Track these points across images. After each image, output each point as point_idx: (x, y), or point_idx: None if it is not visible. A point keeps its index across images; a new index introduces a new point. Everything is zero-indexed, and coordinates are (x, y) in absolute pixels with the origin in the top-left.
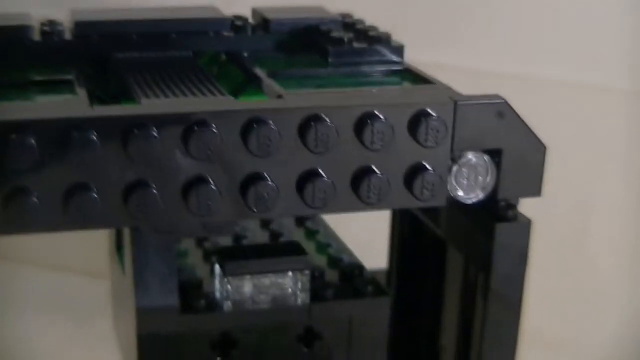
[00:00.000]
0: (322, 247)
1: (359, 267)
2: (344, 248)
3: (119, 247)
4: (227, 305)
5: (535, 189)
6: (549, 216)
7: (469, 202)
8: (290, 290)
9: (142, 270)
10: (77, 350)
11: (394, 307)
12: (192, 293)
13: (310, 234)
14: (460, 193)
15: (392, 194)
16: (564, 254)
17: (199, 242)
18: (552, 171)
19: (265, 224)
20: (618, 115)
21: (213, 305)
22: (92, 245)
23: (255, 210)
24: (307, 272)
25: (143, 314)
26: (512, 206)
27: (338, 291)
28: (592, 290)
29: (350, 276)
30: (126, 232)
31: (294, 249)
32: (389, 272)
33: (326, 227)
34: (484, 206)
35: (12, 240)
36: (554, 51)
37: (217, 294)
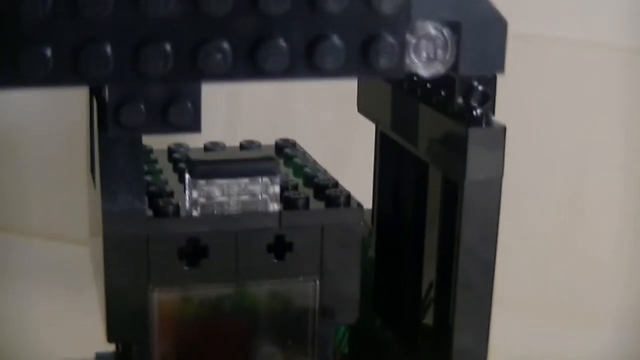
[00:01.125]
0: (298, 169)
1: (334, 182)
2: (322, 169)
3: (92, 168)
4: (196, 210)
5: (496, 65)
6: (546, 178)
7: (428, 75)
8: (260, 197)
9: (109, 174)
10: (75, 318)
11: (377, 240)
12: (162, 200)
13: (289, 158)
14: (420, 67)
15: (349, 63)
16: (560, 218)
17: (170, 155)
18: (550, 131)
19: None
20: (618, 74)
21: (181, 210)
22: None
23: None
24: (278, 178)
25: (110, 217)
26: (487, 114)
27: (310, 201)
28: (588, 254)
29: (324, 188)
30: (96, 140)
31: (266, 158)
32: (372, 203)
33: (306, 154)
34: (459, 114)
35: (5, 210)
36: (553, 8)
37: (186, 199)
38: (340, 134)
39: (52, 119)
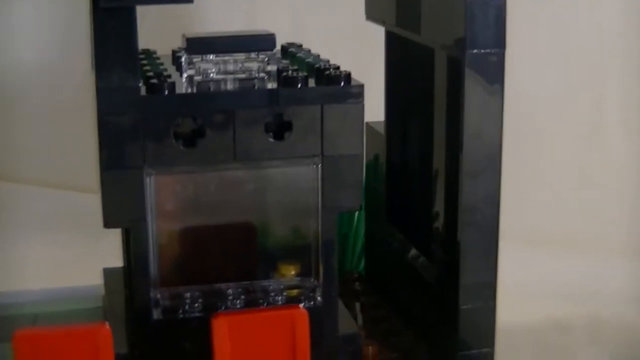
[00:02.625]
0: (301, 61)
1: (336, 66)
2: (325, 60)
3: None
4: (192, 88)
5: None
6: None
7: None
8: (258, 74)
9: (103, 51)
10: (86, 266)
11: (389, 149)
12: (157, 79)
13: (293, 55)
14: None
15: None
16: (578, 150)
17: (175, 58)
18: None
19: None
20: None
21: (177, 89)
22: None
23: None
24: (277, 54)
25: (104, 95)
26: None
27: (310, 81)
28: (605, 186)
29: (324, 69)
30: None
31: (263, 33)
32: (385, 113)
33: (311, 51)
34: None
35: (12, 160)
36: None
37: (183, 77)
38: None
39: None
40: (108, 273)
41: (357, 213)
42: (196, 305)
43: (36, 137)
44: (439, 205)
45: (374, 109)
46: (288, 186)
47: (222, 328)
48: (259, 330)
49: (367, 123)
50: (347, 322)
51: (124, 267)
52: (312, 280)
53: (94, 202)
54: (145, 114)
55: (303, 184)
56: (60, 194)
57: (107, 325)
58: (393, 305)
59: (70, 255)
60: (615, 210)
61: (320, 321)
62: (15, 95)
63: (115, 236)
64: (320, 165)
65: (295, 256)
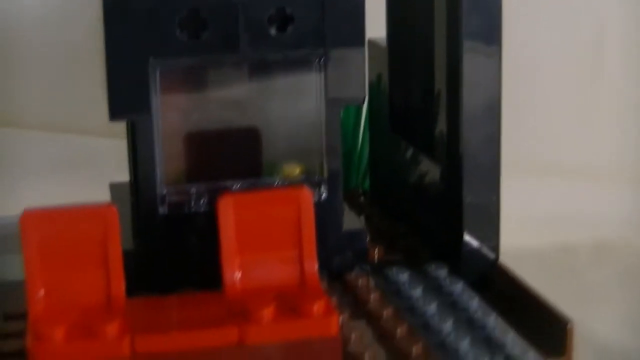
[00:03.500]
0: None
1: None
2: None
3: None
4: None
5: None
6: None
7: None
8: None
9: None
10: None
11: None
12: None
13: None
14: None
15: None
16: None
17: None
18: None
19: None
20: None
21: None
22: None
23: None
24: None
25: None
26: None
27: None
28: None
29: None
30: None
31: None
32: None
33: None
34: None
35: (16, 105)
36: None
37: None
38: None
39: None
40: (114, 187)
41: (361, 130)
42: (202, 201)
43: (39, 81)
44: (442, 109)
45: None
46: (292, 80)
47: (227, 207)
48: (265, 210)
49: (369, 39)
50: (352, 220)
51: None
52: (316, 176)
53: (102, 145)
54: (150, 4)
55: (306, 77)
56: (67, 138)
57: (114, 206)
58: (398, 217)
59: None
60: (620, 140)
61: (325, 217)
62: (18, 37)
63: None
64: (323, 57)
65: (300, 155)
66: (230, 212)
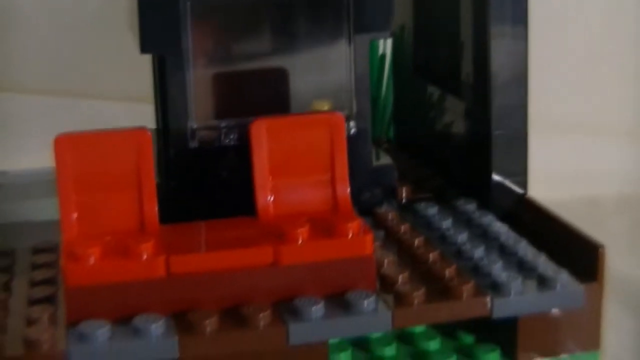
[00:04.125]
0: None
1: None
2: None
3: None
4: None
5: None
6: None
7: None
8: None
9: None
10: None
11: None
12: None
13: None
14: None
15: None
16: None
17: None
18: None
19: None
20: None
21: None
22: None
23: None
24: None
25: None
26: None
27: None
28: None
29: None
30: None
31: None
32: None
33: None
34: None
35: (16, 69)
36: None
37: None
38: None
39: None
40: None
41: (384, 81)
42: (231, 136)
43: (41, 44)
44: (469, 49)
45: None
46: (320, 17)
47: (260, 132)
48: (298, 134)
49: None
50: (381, 157)
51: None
52: (345, 112)
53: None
54: None
55: (335, 12)
56: (72, 102)
57: (147, 130)
58: (423, 161)
59: None
60: None
61: (354, 152)
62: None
63: None
64: None
65: (329, 92)
66: (264, 137)
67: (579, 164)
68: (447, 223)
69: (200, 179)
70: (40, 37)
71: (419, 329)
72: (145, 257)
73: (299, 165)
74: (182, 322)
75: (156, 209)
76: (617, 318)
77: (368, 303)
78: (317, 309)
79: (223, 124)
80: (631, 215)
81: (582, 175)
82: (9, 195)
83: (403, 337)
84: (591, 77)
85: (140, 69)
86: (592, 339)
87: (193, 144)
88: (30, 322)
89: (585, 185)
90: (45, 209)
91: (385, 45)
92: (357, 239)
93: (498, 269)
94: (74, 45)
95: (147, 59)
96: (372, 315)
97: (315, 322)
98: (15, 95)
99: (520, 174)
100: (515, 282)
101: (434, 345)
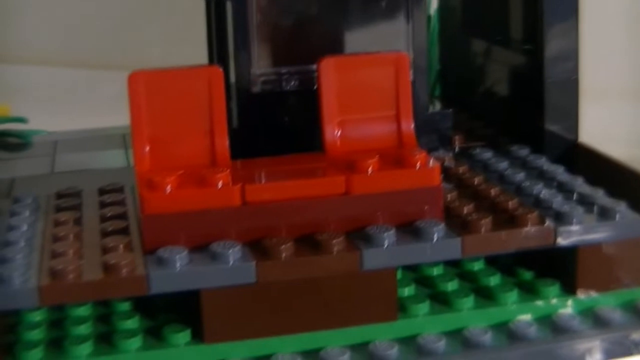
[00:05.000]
0: None
1: None
2: None
3: None
4: None
5: None
6: None
7: None
8: None
9: None
10: None
11: None
12: None
13: None
14: None
15: None
16: None
17: None
18: None
19: None
20: None
21: None
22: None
23: None
24: None
25: None
26: None
27: None
28: None
29: None
30: None
31: None
32: None
33: None
34: None
35: (15, 40)
36: None
37: None
38: None
39: None
40: None
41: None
42: (292, 82)
43: (44, 13)
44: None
45: None
46: None
47: (329, 69)
48: (364, 72)
49: None
50: (438, 105)
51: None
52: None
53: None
54: None
55: None
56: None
57: (219, 66)
58: (473, 115)
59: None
60: None
61: (412, 98)
62: None
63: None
64: None
65: (385, 42)
66: (332, 74)
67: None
68: (503, 165)
69: (262, 122)
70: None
71: (478, 265)
72: (221, 186)
73: (365, 101)
74: (258, 248)
75: (227, 143)
76: None
77: (437, 231)
78: (389, 236)
79: (284, 70)
80: None
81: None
82: (66, 148)
83: (463, 275)
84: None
85: None
86: None
87: (256, 89)
88: (106, 250)
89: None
90: (101, 159)
91: (430, 5)
92: (426, 170)
93: (559, 202)
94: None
95: None
96: (442, 242)
97: (387, 248)
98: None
99: (572, 119)
100: (577, 212)
101: (494, 280)
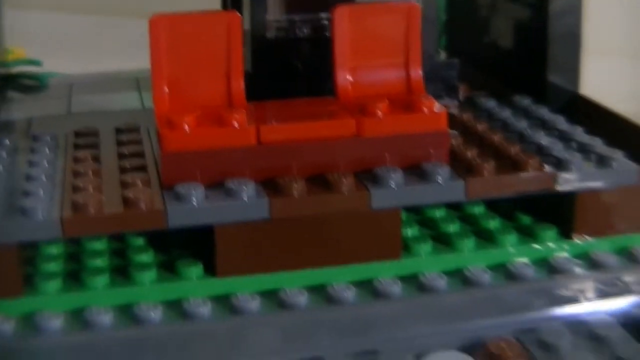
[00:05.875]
0: None
1: None
2: None
3: None
4: None
5: None
6: None
7: None
8: None
9: None
10: None
11: None
12: None
13: None
14: None
15: None
16: None
17: None
18: None
19: None
20: None
21: None
22: None
23: None
24: None
25: None
26: None
27: None
28: None
29: None
30: None
31: None
32: None
33: None
34: None
35: None
36: None
37: None
38: None
39: None
40: None
41: None
42: (304, 29)
43: None
44: None
45: None
46: None
47: (342, 17)
48: (376, 20)
49: None
50: (444, 55)
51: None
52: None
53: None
54: None
55: None
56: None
57: (236, 12)
58: (477, 66)
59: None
60: None
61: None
62: None
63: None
64: None
65: None
66: (345, 21)
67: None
68: (506, 114)
69: (275, 67)
70: None
71: (479, 210)
72: (237, 126)
73: (376, 49)
74: (271, 186)
75: (243, 86)
76: None
77: (443, 173)
78: (397, 177)
79: (297, 17)
80: None
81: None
82: (82, 90)
83: (465, 218)
84: None
85: None
86: None
87: (270, 34)
88: (125, 186)
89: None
90: (116, 101)
91: None
92: (433, 114)
93: (559, 150)
94: None
95: None
96: (447, 184)
97: (395, 188)
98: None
99: (574, 70)
100: (575, 159)
101: (494, 224)
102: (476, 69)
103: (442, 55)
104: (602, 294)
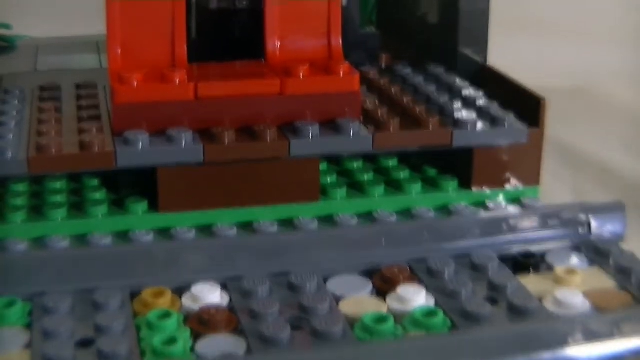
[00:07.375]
0: None
1: None
2: None
3: None
4: None
5: None
6: None
7: None
8: None
9: None
10: None
11: None
12: None
13: None
14: None
15: None
16: None
17: None
18: None
19: None
20: None
21: None
22: None
23: None
24: None
25: None
26: None
27: None
28: None
29: None
30: None
31: None
32: None
33: None
34: None
35: None
36: None
37: None
38: None
39: None
40: None
41: None
42: (244, 1)
43: None
44: None
45: None
46: None
47: None
48: None
49: None
50: (367, 27)
51: None
52: None
53: None
54: None
55: None
56: None
57: None
58: (402, 40)
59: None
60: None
61: (345, 19)
62: None
63: None
64: None
65: None
66: None
67: (539, 59)
68: (418, 80)
69: (216, 34)
70: None
71: (392, 162)
72: (178, 82)
73: (302, 19)
74: (207, 135)
75: (185, 49)
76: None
77: (354, 127)
78: (314, 129)
79: None
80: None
81: (541, 68)
82: (47, 51)
83: (379, 170)
84: None
85: None
86: (532, 176)
87: (213, 5)
88: (82, 132)
89: (544, 77)
90: (78, 61)
91: None
92: (348, 77)
93: (458, 110)
94: None
95: None
96: (357, 136)
97: (311, 139)
98: None
99: (482, 43)
100: (471, 119)
101: (403, 174)
102: (399, 41)
103: (371, 29)
104: (487, 233)
